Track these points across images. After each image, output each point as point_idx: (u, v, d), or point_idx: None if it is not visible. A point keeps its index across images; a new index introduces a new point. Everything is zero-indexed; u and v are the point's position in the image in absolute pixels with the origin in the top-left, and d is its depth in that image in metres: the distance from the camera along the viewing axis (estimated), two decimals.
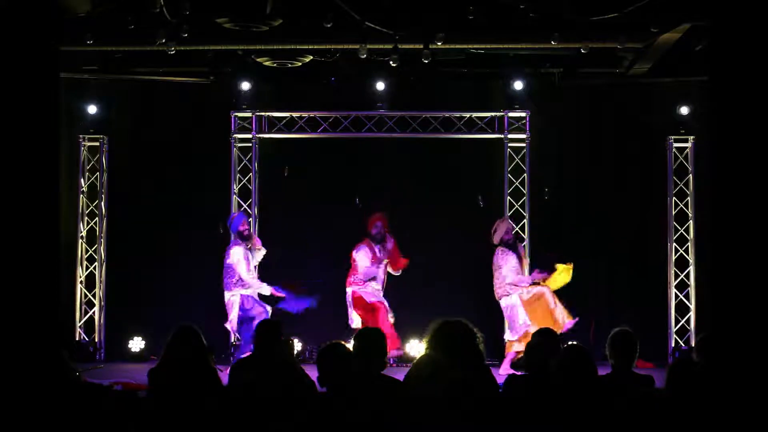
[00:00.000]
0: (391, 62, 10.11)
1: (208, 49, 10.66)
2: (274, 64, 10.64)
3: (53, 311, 3.97)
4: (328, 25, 9.00)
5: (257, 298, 10.40)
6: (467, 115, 11.85)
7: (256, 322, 10.15)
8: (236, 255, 10.31)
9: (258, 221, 11.85)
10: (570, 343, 5.95)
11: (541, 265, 10.45)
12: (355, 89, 11.77)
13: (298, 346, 11.25)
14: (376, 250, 10.56)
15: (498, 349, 10.44)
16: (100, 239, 11.97)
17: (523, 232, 11.48)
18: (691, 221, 11.75)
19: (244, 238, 10.44)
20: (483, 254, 10.70)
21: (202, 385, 5.63)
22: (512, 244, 10.42)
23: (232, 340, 11.11)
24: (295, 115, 11.92)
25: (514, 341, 10.28)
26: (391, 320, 10.49)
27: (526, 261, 10.75)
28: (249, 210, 11.83)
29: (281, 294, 10.40)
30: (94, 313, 11.92)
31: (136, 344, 11.65)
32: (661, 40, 9.72)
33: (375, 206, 10.95)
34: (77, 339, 11.83)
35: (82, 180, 12.04)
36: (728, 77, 3.74)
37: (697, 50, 10.15)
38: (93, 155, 12.09)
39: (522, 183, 11.77)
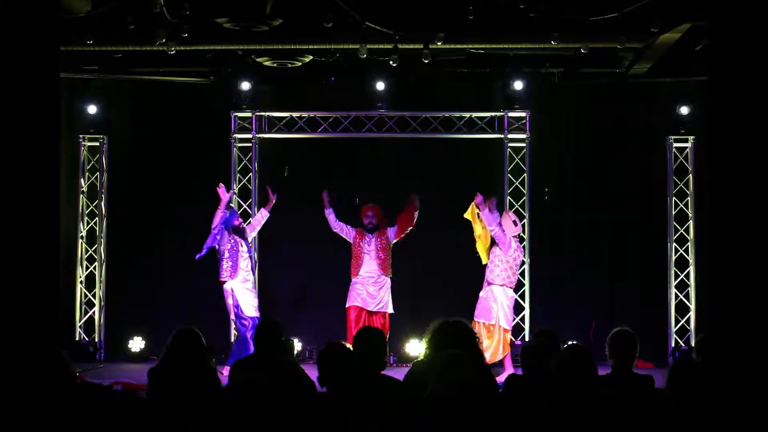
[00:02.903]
0: (391, 62, 10.11)
1: (208, 49, 10.66)
2: (274, 64, 10.64)
3: (53, 311, 3.97)
4: (328, 25, 9.00)
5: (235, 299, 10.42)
6: (467, 115, 11.85)
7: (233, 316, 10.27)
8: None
9: None
10: (570, 343, 5.94)
11: None
12: (355, 89, 11.77)
13: (298, 346, 11.26)
14: (366, 237, 10.56)
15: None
16: (100, 239, 11.97)
17: (523, 232, 11.46)
18: (691, 221, 11.75)
19: (239, 232, 10.46)
20: None
21: (202, 385, 5.63)
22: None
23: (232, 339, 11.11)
24: (295, 115, 11.91)
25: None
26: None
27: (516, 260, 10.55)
28: (249, 210, 11.83)
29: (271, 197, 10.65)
30: (94, 313, 11.92)
31: (136, 344, 11.65)
32: (661, 40, 9.71)
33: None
34: (77, 339, 11.83)
35: (82, 180, 12.04)
36: (728, 77, 3.74)
37: (697, 50, 10.16)
38: (93, 155, 12.09)
39: (522, 183, 11.77)
